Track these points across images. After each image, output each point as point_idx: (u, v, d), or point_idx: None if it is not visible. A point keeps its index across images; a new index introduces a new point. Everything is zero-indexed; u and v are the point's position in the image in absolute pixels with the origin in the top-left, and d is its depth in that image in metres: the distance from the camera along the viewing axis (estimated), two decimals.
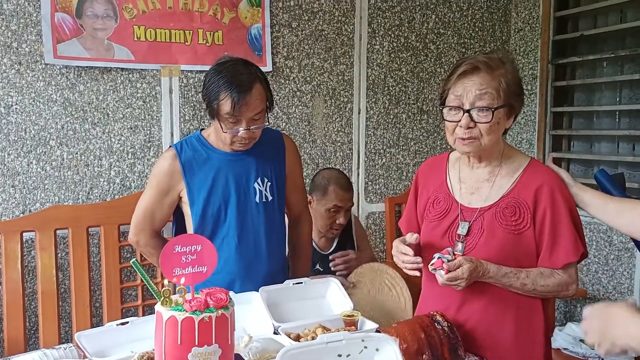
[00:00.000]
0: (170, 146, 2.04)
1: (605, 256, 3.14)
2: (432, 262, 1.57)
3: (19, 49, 2.56)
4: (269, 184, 2.03)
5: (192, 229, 1.99)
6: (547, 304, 1.73)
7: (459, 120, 1.60)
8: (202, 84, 1.97)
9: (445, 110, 1.66)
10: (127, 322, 1.68)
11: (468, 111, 1.59)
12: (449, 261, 1.55)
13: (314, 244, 2.62)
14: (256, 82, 1.87)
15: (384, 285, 2.30)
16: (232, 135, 1.89)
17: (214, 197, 1.98)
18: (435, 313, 1.63)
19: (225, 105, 1.83)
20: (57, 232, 2.57)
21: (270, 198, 2.04)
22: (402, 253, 1.65)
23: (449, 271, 1.53)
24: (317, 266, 2.59)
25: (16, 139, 2.59)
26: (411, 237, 1.66)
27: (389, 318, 1.99)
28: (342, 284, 2.40)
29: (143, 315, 2.66)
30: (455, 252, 1.62)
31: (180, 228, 2.11)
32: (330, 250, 2.69)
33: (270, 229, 2.04)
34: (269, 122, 1.97)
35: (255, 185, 2.01)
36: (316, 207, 2.59)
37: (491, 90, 1.58)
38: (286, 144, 2.12)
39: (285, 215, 2.23)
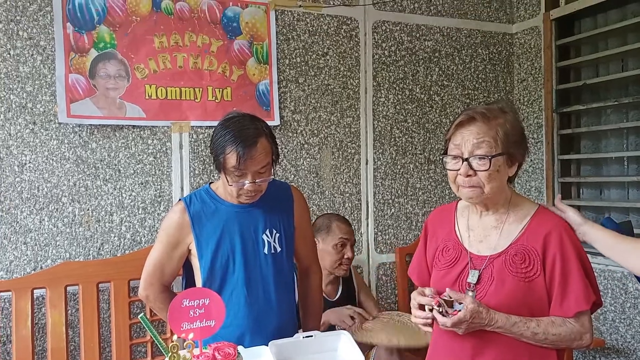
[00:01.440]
0: (180, 200, 2.06)
1: (622, 304, 3.08)
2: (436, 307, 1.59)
3: (34, 109, 2.64)
4: (278, 235, 2.04)
5: (201, 282, 1.99)
6: (561, 354, 1.70)
7: (459, 169, 1.63)
8: (210, 138, 2.02)
9: (446, 160, 1.68)
10: None
11: (467, 159, 1.62)
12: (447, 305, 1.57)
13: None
14: (261, 137, 1.90)
15: (403, 321, 2.35)
16: (238, 188, 1.92)
17: (222, 249, 1.98)
18: None
19: (231, 159, 1.87)
20: (68, 288, 2.58)
21: (279, 250, 2.04)
22: (416, 308, 1.66)
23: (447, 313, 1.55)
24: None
25: (29, 196, 2.63)
26: (430, 292, 1.66)
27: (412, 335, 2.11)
28: (362, 314, 2.45)
29: None
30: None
31: (189, 282, 2.10)
32: (337, 296, 2.69)
33: (279, 281, 2.03)
34: (275, 175, 2.00)
35: (264, 236, 2.01)
36: (323, 247, 2.63)
37: (488, 139, 1.61)
38: (294, 196, 2.14)
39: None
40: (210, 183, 2.10)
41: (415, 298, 1.68)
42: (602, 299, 1.67)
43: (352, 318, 2.47)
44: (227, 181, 1.91)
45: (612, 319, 3.12)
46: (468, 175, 1.62)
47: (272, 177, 1.98)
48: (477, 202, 1.68)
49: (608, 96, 3.34)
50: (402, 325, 2.40)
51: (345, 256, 2.65)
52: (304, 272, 2.25)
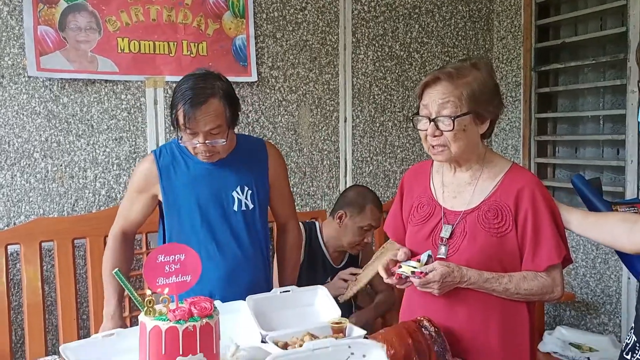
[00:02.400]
0: (150, 152, 2.04)
1: (593, 260, 3.16)
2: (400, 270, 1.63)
3: (1, 62, 2.55)
4: (250, 192, 2.03)
5: (167, 237, 1.98)
6: (532, 307, 1.74)
7: (427, 129, 1.64)
8: None
9: (416, 120, 1.69)
10: (113, 334, 1.66)
11: (434, 120, 1.63)
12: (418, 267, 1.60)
13: (327, 256, 2.63)
14: (213, 97, 1.86)
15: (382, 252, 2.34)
16: (192, 147, 1.90)
17: (192, 206, 1.97)
18: (422, 318, 1.63)
19: (180, 117, 1.85)
20: (43, 244, 2.55)
21: (250, 207, 2.03)
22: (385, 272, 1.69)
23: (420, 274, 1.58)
24: (329, 279, 2.59)
25: None
26: (401, 255, 1.68)
27: None
28: (352, 272, 2.47)
29: (130, 326, 2.64)
30: (438, 256, 1.64)
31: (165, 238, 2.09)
32: (342, 263, 2.70)
33: (250, 238, 2.03)
34: (227, 139, 1.91)
35: (234, 194, 2.00)
36: (348, 223, 2.60)
37: (453, 99, 1.62)
38: (269, 153, 2.12)
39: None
40: (181, 137, 2.06)
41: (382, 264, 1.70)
42: (574, 255, 1.72)
43: (345, 281, 2.47)
44: (179, 138, 1.89)
45: (583, 274, 3.21)
46: (435, 136, 1.64)
47: (224, 141, 1.90)
48: (445, 161, 1.70)
49: (586, 55, 3.35)
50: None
51: (365, 240, 2.64)
52: (280, 228, 2.25)
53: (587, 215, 1.67)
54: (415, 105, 3.51)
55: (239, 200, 2.00)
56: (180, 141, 1.92)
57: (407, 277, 1.62)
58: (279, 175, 2.15)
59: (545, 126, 3.56)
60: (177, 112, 1.85)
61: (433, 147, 1.66)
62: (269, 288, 2.03)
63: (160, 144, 2.85)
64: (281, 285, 2.18)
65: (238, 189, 2.01)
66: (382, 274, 1.68)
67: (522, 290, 1.62)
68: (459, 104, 1.62)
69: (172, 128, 2.12)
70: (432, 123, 1.63)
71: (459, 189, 1.73)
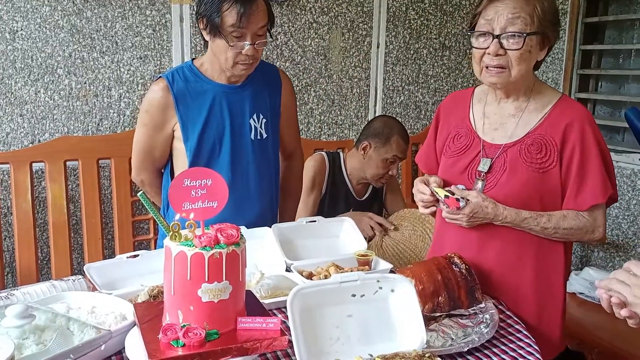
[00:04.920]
0: (160, 76, 1.90)
1: (628, 201, 3.05)
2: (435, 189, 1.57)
3: None
4: (264, 120, 1.93)
5: (186, 165, 1.88)
6: (569, 248, 1.67)
7: (487, 47, 1.50)
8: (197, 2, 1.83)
9: (473, 37, 1.55)
10: (138, 255, 1.65)
11: (498, 37, 1.49)
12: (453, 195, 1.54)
13: (350, 188, 2.57)
14: None
15: (425, 234, 2.24)
16: (236, 53, 1.77)
17: (209, 132, 1.87)
18: (452, 255, 1.58)
19: (230, 17, 1.72)
20: (67, 163, 2.53)
21: (265, 136, 1.94)
22: (421, 192, 1.60)
23: (452, 205, 1.52)
24: (352, 211, 2.53)
25: (23, 66, 2.50)
26: (434, 180, 1.60)
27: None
28: (383, 225, 2.35)
29: (155, 249, 2.65)
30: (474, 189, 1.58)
31: (172, 165, 1.99)
32: (365, 196, 2.63)
33: (262, 168, 1.95)
34: (272, 37, 1.86)
35: (251, 121, 1.91)
36: (372, 154, 2.50)
37: (524, 15, 1.47)
38: (282, 80, 2.01)
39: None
40: (193, 59, 1.94)
41: (418, 186, 1.64)
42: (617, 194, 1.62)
43: (372, 228, 2.38)
44: (227, 42, 1.75)
45: (616, 215, 3.11)
46: (497, 55, 1.50)
47: (270, 39, 1.84)
48: (501, 86, 1.57)
49: None
50: (423, 242, 2.28)
51: (390, 172, 2.52)
52: (286, 157, 2.17)
53: None
54: (452, 32, 3.34)
55: (255, 129, 1.92)
56: (229, 45, 1.75)
57: (439, 199, 1.56)
58: (290, 103, 2.06)
59: (590, 59, 3.36)
60: (223, 13, 1.72)
61: (488, 68, 1.53)
62: (274, 221, 1.98)
63: None
64: (281, 214, 2.13)
65: (255, 116, 1.91)
66: (421, 201, 1.62)
67: (561, 230, 1.55)
68: (530, 22, 1.48)
69: (201, 43, 1.99)
70: (495, 40, 1.49)
71: (501, 120, 1.63)
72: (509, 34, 1.48)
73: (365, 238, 1.98)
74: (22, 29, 2.48)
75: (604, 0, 3.27)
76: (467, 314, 1.47)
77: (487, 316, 1.44)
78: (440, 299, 1.46)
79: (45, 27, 2.51)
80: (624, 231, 3.09)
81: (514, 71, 1.51)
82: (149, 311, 1.23)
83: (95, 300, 1.38)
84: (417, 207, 1.69)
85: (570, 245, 1.71)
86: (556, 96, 1.61)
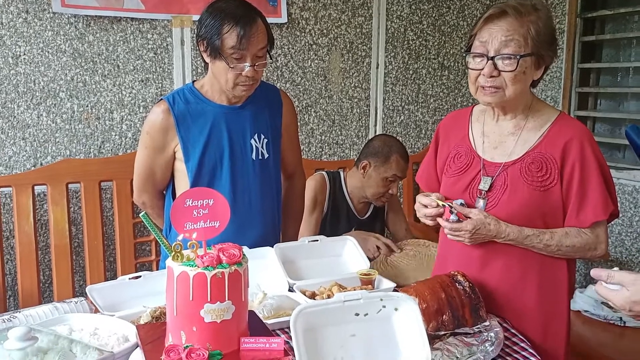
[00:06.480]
0: (161, 99, 1.92)
1: (630, 218, 3.05)
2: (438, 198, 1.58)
3: None
4: (266, 141, 1.93)
5: (187, 186, 1.87)
6: (572, 265, 1.67)
7: (482, 68, 1.51)
8: (198, 25, 1.83)
9: (469, 58, 1.56)
10: (140, 277, 1.64)
11: (492, 58, 1.50)
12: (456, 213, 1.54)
13: (351, 207, 2.56)
14: (258, 16, 1.79)
15: (431, 255, 2.22)
16: (236, 75, 1.78)
17: (210, 153, 1.87)
18: (456, 273, 1.57)
19: (230, 39, 1.73)
20: (69, 186, 2.54)
21: (266, 156, 1.94)
22: (423, 205, 1.61)
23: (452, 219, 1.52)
24: (354, 230, 2.53)
25: (25, 90, 2.53)
26: (435, 196, 1.60)
27: None
28: (389, 246, 2.33)
29: (157, 270, 2.65)
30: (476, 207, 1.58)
31: (174, 186, 1.99)
32: (367, 215, 2.63)
33: (264, 188, 1.95)
34: (272, 59, 1.88)
35: (252, 141, 1.91)
36: (372, 173, 2.50)
37: (518, 37, 1.49)
38: (283, 100, 2.02)
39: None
40: (194, 82, 1.95)
41: (420, 200, 1.64)
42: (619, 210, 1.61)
43: (378, 248, 2.33)
44: (227, 64, 1.77)
45: (619, 232, 3.11)
46: (492, 76, 1.51)
47: (270, 61, 1.86)
48: (495, 104, 1.58)
49: (637, 1, 3.14)
50: (429, 262, 2.23)
51: (390, 191, 2.52)
52: (287, 177, 2.17)
53: None
54: (451, 52, 3.38)
55: (257, 149, 1.92)
56: (229, 67, 1.76)
57: (444, 209, 1.56)
58: (291, 124, 2.07)
59: (588, 77, 3.38)
60: (223, 36, 1.74)
61: (483, 88, 1.54)
62: (276, 241, 1.97)
63: None
64: (283, 234, 2.12)
65: (256, 136, 1.92)
66: (425, 215, 1.61)
67: (563, 247, 1.55)
68: (524, 44, 1.50)
69: (202, 66, 2.01)
70: (489, 62, 1.51)
71: (500, 139, 1.64)
72: (503, 55, 1.49)
73: (369, 258, 1.98)
74: (24, 54, 2.50)
75: (601, 19, 3.30)
76: (472, 332, 1.46)
77: (492, 334, 1.43)
78: (444, 317, 1.45)
79: (48, 52, 2.54)
80: (627, 248, 3.08)
81: (508, 91, 1.53)
82: (152, 332, 1.22)
83: (98, 322, 1.38)
84: (420, 233, 1.69)
85: (574, 263, 1.70)
86: (554, 114, 1.62)
